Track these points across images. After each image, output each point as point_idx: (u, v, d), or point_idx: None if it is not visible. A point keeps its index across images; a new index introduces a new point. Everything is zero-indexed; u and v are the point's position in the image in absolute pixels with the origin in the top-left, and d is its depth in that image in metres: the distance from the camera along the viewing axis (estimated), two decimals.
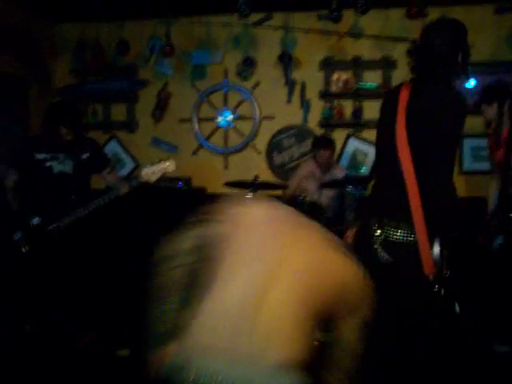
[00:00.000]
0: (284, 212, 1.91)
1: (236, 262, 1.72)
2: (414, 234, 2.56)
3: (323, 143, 4.98)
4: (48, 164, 3.80)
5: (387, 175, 2.75)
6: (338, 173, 5.01)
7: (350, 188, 4.65)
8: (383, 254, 2.68)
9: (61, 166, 3.85)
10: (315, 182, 4.98)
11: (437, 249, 2.58)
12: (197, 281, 1.78)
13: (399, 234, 2.63)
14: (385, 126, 2.79)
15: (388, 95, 3.00)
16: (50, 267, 3.64)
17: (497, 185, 3.97)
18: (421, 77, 2.80)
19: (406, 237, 2.60)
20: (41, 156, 3.79)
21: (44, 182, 3.79)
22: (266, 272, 1.68)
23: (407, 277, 2.62)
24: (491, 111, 3.97)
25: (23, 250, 3.61)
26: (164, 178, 3.77)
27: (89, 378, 3.44)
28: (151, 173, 3.68)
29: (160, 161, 3.73)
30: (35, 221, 3.66)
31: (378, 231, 2.69)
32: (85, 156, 3.92)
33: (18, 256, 3.61)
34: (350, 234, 3.07)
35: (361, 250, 2.83)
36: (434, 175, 2.61)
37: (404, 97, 2.73)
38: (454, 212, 2.68)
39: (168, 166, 3.71)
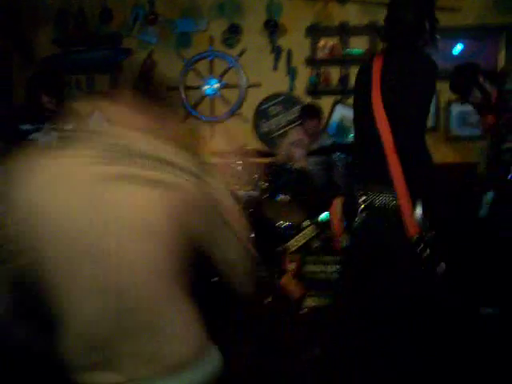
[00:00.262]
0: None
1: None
2: (396, 198, 2.64)
3: (310, 112, 4.97)
4: (32, 135, 3.76)
5: (367, 144, 2.83)
6: (326, 141, 5.00)
7: (337, 155, 4.66)
8: (368, 219, 2.74)
9: (46, 137, 3.81)
10: (303, 149, 4.98)
11: (419, 211, 2.69)
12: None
13: (382, 198, 2.71)
14: (361, 96, 2.88)
15: (361, 67, 3.05)
16: None
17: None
18: (391, 46, 2.86)
19: (390, 201, 2.68)
20: (25, 127, 3.74)
21: None
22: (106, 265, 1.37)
23: (392, 240, 2.69)
24: (476, 94, 3.99)
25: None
26: None
27: None
28: None
29: None
30: None
31: (363, 197, 2.75)
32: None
33: None
34: (338, 201, 3.11)
35: (348, 217, 2.89)
36: (411, 141, 2.73)
37: (377, 67, 2.81)
38: (431, 174, 2.76)
39: None
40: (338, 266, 4.01)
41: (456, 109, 5.39)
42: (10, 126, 3.74)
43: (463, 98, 4.05)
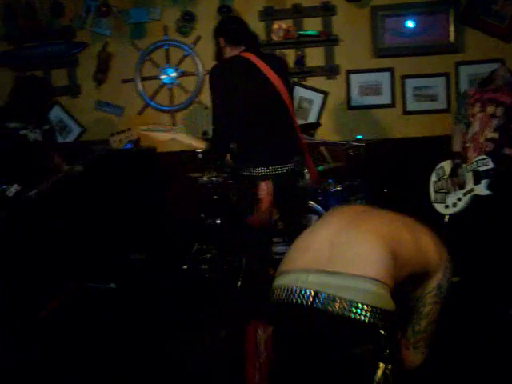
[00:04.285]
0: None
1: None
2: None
3: None
4: (22, 132, 3.98)
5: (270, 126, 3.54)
6: None
7: None
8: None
9: (33, 134, 4.02)
10: None
11: None
12: None
13: (286, 167, 3.51)
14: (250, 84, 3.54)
15: (228, 64, 3.61)
16: (31, 232, 3.83)
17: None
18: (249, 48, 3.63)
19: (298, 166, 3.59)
20: (13, 125, 3.94)
21: (19, 150, 3.95)
22: (354, 219, 1.96)
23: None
24: None
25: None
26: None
27: None
28: (118, 140, 4.06)
29: (126, 130, 4.14)
30: (14, 188, 3.74)
31: (266, 172, 3.49)
32: (46, 127, 4.14)
33: None
34: (264, 185, 3.56)
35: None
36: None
37: (257, 60, 3.53)
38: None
39: (132, 133, 4.14)
40: None
41: (411, 83, 5.49)
42: None
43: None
